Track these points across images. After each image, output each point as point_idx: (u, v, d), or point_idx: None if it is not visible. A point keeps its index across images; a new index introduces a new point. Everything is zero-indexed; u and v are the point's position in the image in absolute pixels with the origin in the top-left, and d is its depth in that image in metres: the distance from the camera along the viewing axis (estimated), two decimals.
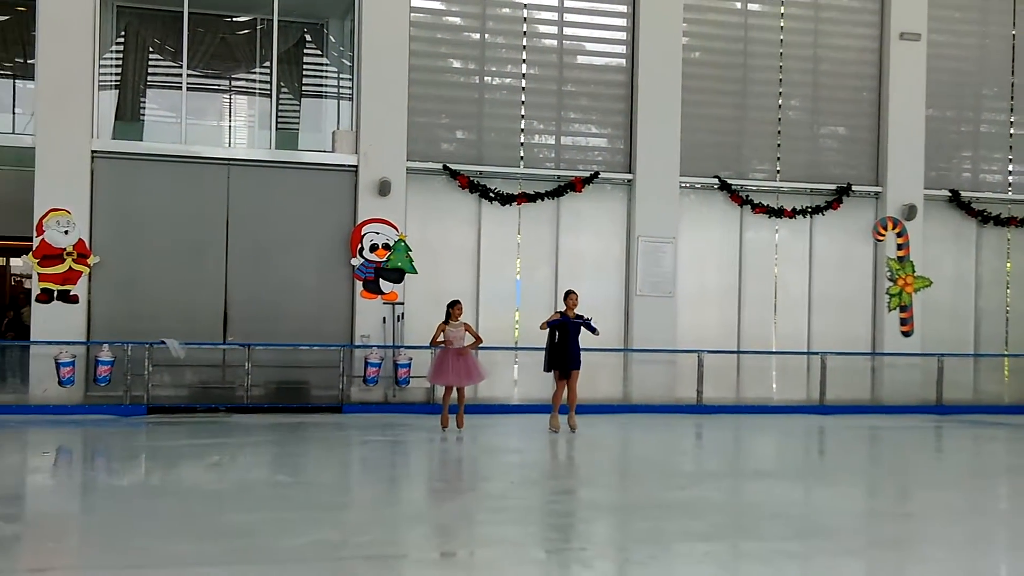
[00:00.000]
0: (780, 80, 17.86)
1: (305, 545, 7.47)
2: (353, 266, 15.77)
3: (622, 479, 11.46)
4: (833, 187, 17.78)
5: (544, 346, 13.85)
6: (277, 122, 16.53)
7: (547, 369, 13.78)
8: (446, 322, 13.34)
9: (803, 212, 17.62)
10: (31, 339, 14.84)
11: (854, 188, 17.80)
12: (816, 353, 17.28)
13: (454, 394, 13.49)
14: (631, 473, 11.87)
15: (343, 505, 9.40)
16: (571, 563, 7.43)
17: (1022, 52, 18.67)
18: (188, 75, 15.91)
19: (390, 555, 7.54)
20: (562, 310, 13.71)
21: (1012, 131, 18.71)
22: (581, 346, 13.66)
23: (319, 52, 17.53)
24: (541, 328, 13.70)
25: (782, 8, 17.78)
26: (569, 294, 13.71)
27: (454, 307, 13.44)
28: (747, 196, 17.44)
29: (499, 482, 10.67)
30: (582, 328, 13.60)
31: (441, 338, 13.29)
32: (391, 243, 15.83)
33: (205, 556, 7.11)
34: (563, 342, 13.48)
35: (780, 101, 17.90)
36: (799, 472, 12.21)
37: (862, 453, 13.99)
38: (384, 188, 15.73)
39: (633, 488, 10.76)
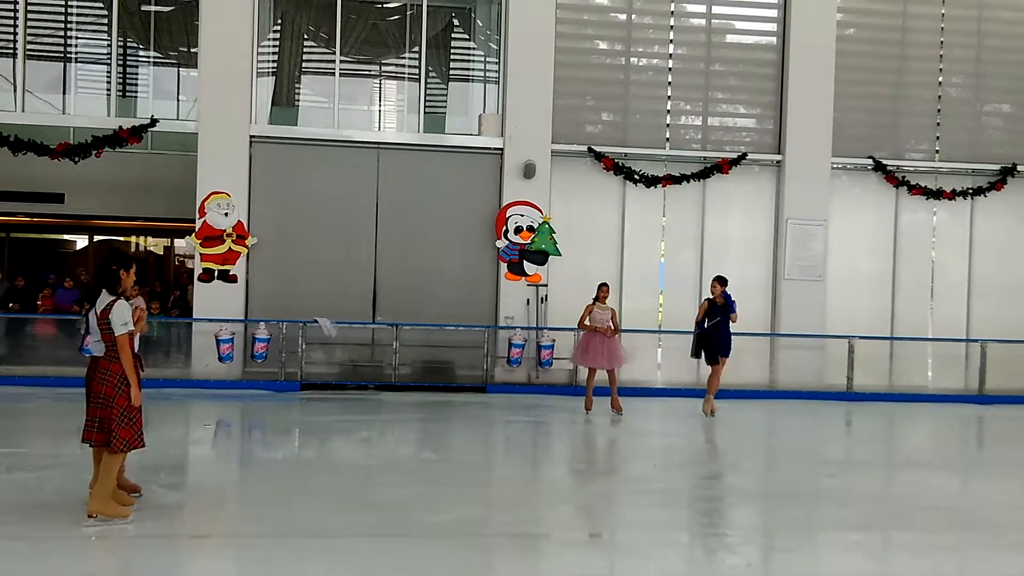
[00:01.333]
0: (940, 56, 17.11)
1: (449, 521, 7.64)
2: (498, 248, 15.92)
3: (768, 465, 11.27)
4: (997, 167, 16.96)
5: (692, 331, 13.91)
6: (425, 106, 16.78)
7: (695, 355, 13.89)
8: (594, 303, 13.42)
9: (963, 193, 16.87)
10: (193, 317, 15.55)
11: (1020, 168, 16.93)
12: (976, 340, 16.55)
13: (599, 376, 13.50)
14: (777, 459, 11.65)
15: (487, 483, 9.56)
16: (716, 548, 7.37)
17: None
18: (340, 61, 16.32)
19: (533, 534, 7.63)
20: (710, 297, 13.68)
21: None
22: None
23: (466, 36, 17.70)
24: (698, 324, 13.73)
25: None
26: (716, 281, 13.62)
27: (602, 289, 13.49)
28: (903, 177, 16.81)
29: (642, 465, 10.64)
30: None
31: (588, 320, 13.36)
32: (535, 225, 15.90)
33: (353, 528, 7.35)
34: (712, 328, 13.49)
35: (940, 78, 17.16)
36: (955, 463, 11.76)
37: (1022, 445, 13.36)
38: (529, 171, 15.81)
39: (779, 475, 10.57)
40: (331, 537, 7.15)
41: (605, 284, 13.61)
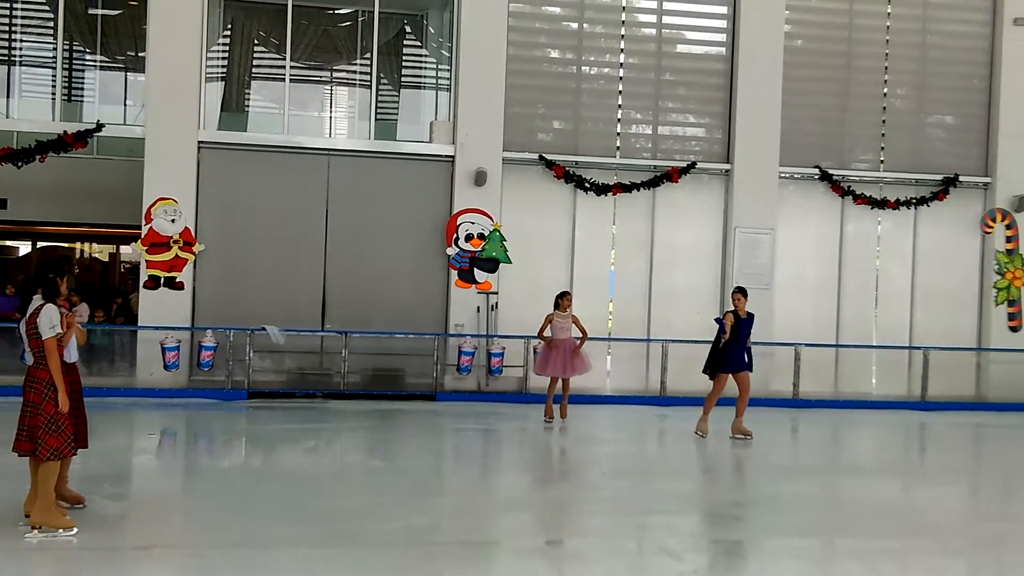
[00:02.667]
0: (886, 68, 17.39)
1: (398, 530, 7.61)
2: (448, 255, 15.90)
3: (715, 472, 11.36)
4: (939, 178, 17.26)
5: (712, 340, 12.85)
6: (376, 113, 16.73)
7: (729, 371, 12.56)
8: (554, 312, 13.33)
9: (907, 203, 17.14)
10: (138, 324, 15.34)
11: (961, 179, 17.24)
12: (918, 348, 16.82)
13: (558, 384, 13.47)
14: (725, 467, 11.75)
15: (437, 491, 9.53)
16: (662, 554, 7.42)
17: None
18: (291, 67, 16.22)
19: (482, 541, 7.63)
20: (731, 309, 12.60)
21: None
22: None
23: (418, 43, 17.69)
24: (725, 339, 12.47)
25: None
26: (738, 292, 12.60)
27: (563, 298, 13.42)
28: (849, 187, 17.04)
29: (591, 473, 10.69)
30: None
31: (548, 331, 13.27)
32: (486, 233, 15.91)
33: (302, 538, 7.29)
34: (738, 342, 12.43)
35: (885, 89, 17.43)
36: (899, 469, 11.94)
37: (965, 451, 13.61)
38: (480, 178, 15.83)
39: (726, 482, 10.67)
40: (278, 547, 7.08)
41: (567, 293, 13.57)
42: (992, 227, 17.19)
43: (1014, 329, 17.08)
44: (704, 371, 12.85)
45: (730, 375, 12.56)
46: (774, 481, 10.27)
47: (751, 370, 12.68)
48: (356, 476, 9.87)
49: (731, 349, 12.48)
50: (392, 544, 7.25)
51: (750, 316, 12.57)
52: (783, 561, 7.39)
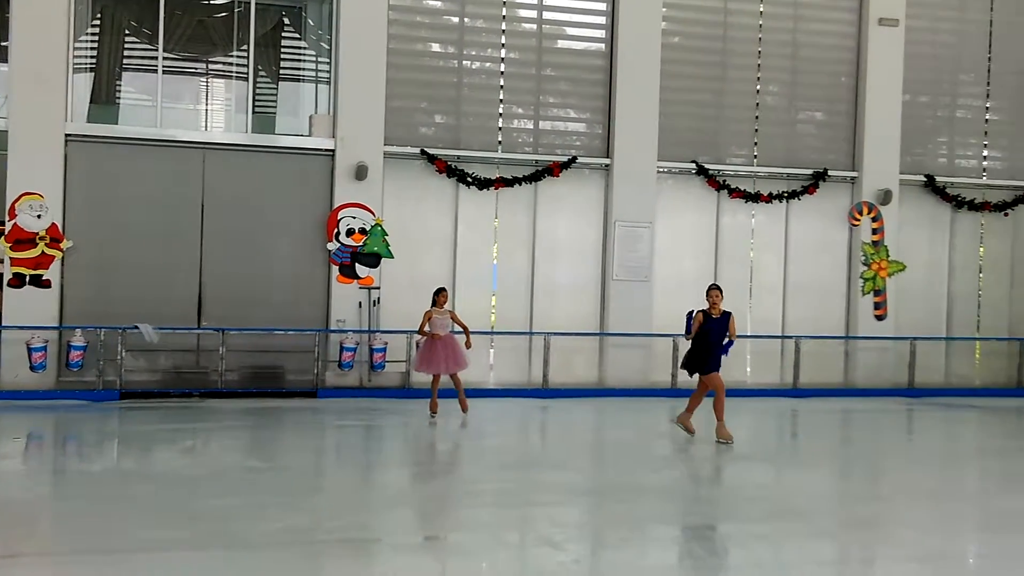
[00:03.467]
0: (758, 65, 17.86)
1: (278, 530, 7.48)
2: (329, 251, 15.72)
3: (597, 463, 11.51)
4: (809, 172, 17.83)
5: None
6: (254, 106, 16.41)
7: (701, 372, 12.02)
8: (432, 309, 13.27)
9: (779, 197, 17.66)
10: (2, 324, 14.72)
11: (830, 173, 17.85)
12: (790, 337, 17.36)
13: (444, 379, 13.39)
14: (606, 456, 11.92)
15: (317, 490, 9.41)
16: (544, 546, 7.47)
17: (999, 38, 18.75)
18: (164, 58, 15.77)
19: (363, 539, 7.55)
20: (704, 308, 11.96)
21: (987, 116, 18.79)
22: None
23: (297, 36, 17.39)
24: (688, 339, 12.09)
25: None
26: (714, 289, 12.01)
27: (440, 294, 13.36)
28: (724, 181, 17.46)
29: (474, 466, 10.70)
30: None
31: (427, 327, 13.20)
32: (368, 228, 15.78)
33: (177, 541, 7.10)
34: (709, 342, 11.85)
35: (758, 86, 17.91)
36: (773, 455, 12.29)
37: (835, 436, 14.09)
38: (361, 172, 15.68)
39: (608, 471, 10.82)
40: (152, 551, 6.88)
41: (443, 289, 13.53)
42: (859, 220, 17.83)
43: (880, 318, 17.77)
44: (683, 367, 12.37)
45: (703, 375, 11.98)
46: (655, 470, 10.46)
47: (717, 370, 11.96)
48: (234, 476, 9.67)
49: (705, 351, 11.85)
50: (271, 544, 7.13)
51: (725, 315, 11.90)
52: (662, 548, 7.53)
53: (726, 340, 11.99)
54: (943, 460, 12.08)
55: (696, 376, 12.17)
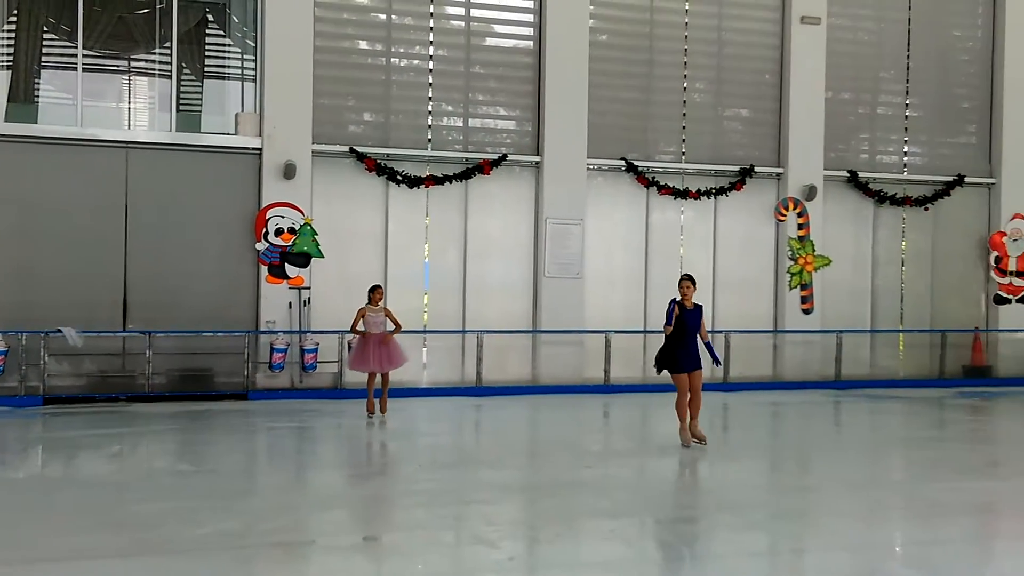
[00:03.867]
0: (685, 63, 18.04)
1: (208, 535, 7.36)
2: (258, 251, 15.52)
3: (530, 459, 11.53)
4: (736, 168, 18.06)
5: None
6: (179, 104, 16.12)
7: (672, 370, 11.31)
8: (366, 307, 13.14)
9: (707, 193, 17.86)
10: None
11: (757, 169, 18.10)
12: (720, 331, 17.58)
13: (378, 378, 13.30)
14: (539, 453, 11.95)
15: (248, 493, 9.28)
16: (479, 544, 7.46)
17: (917, 36, 19.20)
18: (84, 55, 15.43)
19: (297, 541, 7.47)
20: (677, 299, 11.23)
21: (907, 113, 19.22)
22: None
23: (222, 33, 17.13)
24: (667, 332, 11.25)
25: None
26: (686, 279, 11.29)
27: (374, 292, 13.23)
28: (653, 178, 17.62)
29: (408, 466, 10.65)
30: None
31: (361, 325, 13.07)
32: (297, 227, 15.61)
33: (104, 548, 6.95)
34: (684, 336, 11.18)
35: (685, 84, 18.09)
36: (703, 448, 12.42)
37: (764, 428, 14.30)
38: (289, 171, 15.50)
39: (541, 468, 10.83)
40: (79, 559, 6.72)
41: (378, 286, 13.39)
42: (785, 215, 18.12)
43: (806, 312, 18.08)
44: (655, 366, 11.57)
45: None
46: (588, 465, 10.51)
47: (701, 368, 11.36)
48: (162, 480, 9.49)
49: (678, 345, 11.20)
50: (202, 549, 7.01)
51: (697, 308, 11.31)
52: (596, 543, 7.56)
53: (712, 350, 11.48)
54: (869, 451, 12.33)
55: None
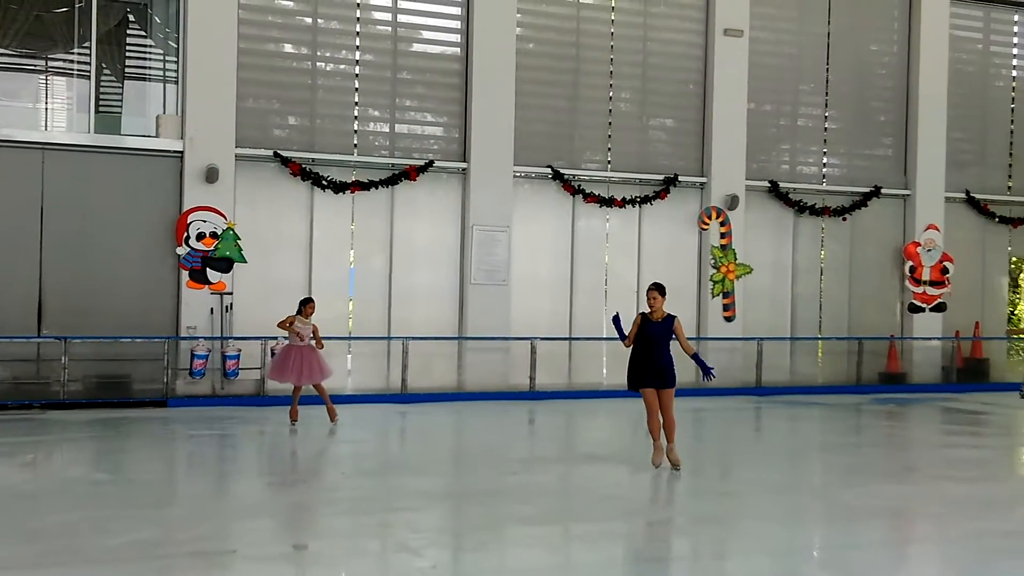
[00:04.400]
0: (611, 72, 18.19)
1: (124, 545, 7.20)
2: (179, 255, 15.25)
3: (455, 467, 11.51)
4: (661, 177, 18.25)
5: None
6: (98, 105, 15.79)
7: (632, 387, 10.66)
8: (295, 316, 12.94)
9: (632, 202, 18.02)
10: None
11: (681, 178, 18.32)
12: None
13: (312, 387, 13.11)
14: (464, 460, 11.93)
15: (167, 502, 9.09)
16: (403, 552, 7.41)
17: (836, 50, 19.63)
18: (0, 54, 15.07)
19: (216, 551, 7.34)
20: (645, 311, 10.61)
21: (826, 125, 19.64)
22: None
23: (144, 33, 16.82)
24: (627, 346, 10.67)
25: (613, 2, 18.11)
26: (651, 289, 10.56)
27: (307, 305, 12.99)
28: (579, 186, 17.72)
29: (331, 474, 10.55)
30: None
31: (287, 329, 12.87)
32: (219, 232, 15.38)
33: (16, 559, 6.76)
34: (648, 350, 10.46)
35: (611, 93, 18.24)
36: (627, 455, 12.50)
37: (686, 435, 14.42)
38: (211, 175, 15.27)
39: (466, 475, 10.82)
40: None
41: (311, 300, 13.15)
42: (708, 224, 18.36)
43: (729, 319, 18.34)
44: (630, 387, 10.75)
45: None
46: (513, 472, 10.51)
47: (671, 385, 10.60)
48: (78, 490, 9.25)
49: (640, 360, 10.51)
50: (118, 560, 6.85)
51: (668, 319, 10.47)
52: (520, 550, 7.57)
53: (700, 361, 10.72)
54: (788, 456, 12.55)
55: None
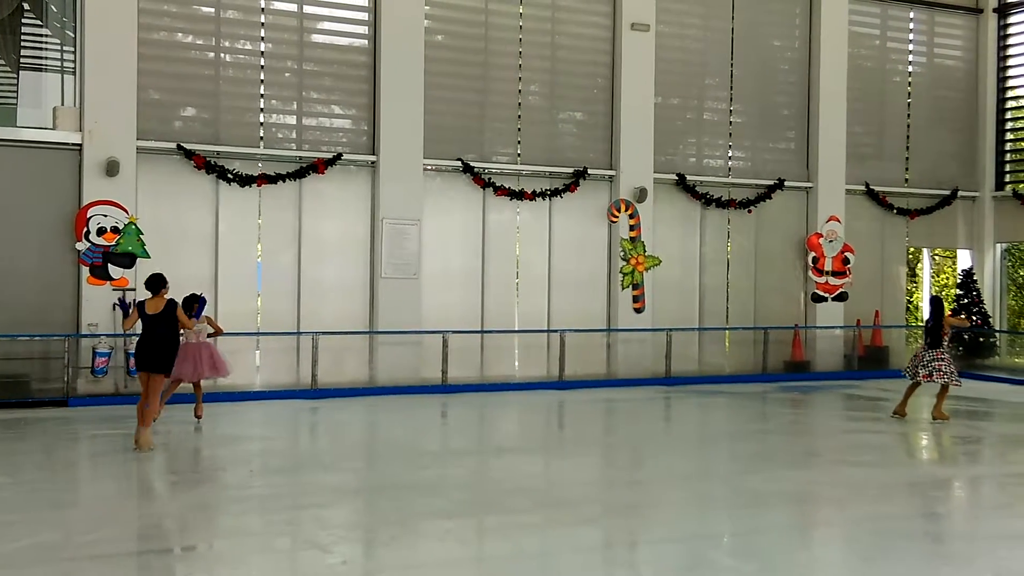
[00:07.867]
0: (520, 65, 18.22)
1: (22, 549, 6.99)
2: (79, 251, 14.83)
3: (367, 462, 11.42)
4: (571, 170, 18.34)
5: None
6: None
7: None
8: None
9: (542, 195, 18.08)
10: None
11: (590, 171, 18.44)
12: (555, 331, 17.84)
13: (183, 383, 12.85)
14: (376, 455, 11.85)
15: (68, 504, 8.85)
16: (312, 549, 7.33)
17: (740, 45, 19.96)
18: None
19: (120, 553, 7.17)
20: (142, 300, 11.55)
21: (731, 119, 19.98)
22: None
23: (39, 23, 16.30)
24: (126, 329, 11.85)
25: None
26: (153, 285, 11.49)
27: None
28: (489, 179, 17.71)
29: (239, 471, 10.38)
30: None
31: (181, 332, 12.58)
32: (121, 226, 14.99)
33: None
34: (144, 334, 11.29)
35: (520, 86, 18.26)
36: (539, 446, 12.60)
37: (598, 425, 14.60)
38: (112, 168, 14.87)
39: (378, 470, 10.76)
40: None
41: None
42: (617, 217, 18.53)
43: (638, 311, 18.54)
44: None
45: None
46: (425, 466, 10.48)
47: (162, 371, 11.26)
48: None
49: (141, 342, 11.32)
50: (17, 565, 6.64)
51: (170, 304, 11.46)
52: (432, 543, 7.55)
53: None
54: (697, 444, 12.75)
55: None
